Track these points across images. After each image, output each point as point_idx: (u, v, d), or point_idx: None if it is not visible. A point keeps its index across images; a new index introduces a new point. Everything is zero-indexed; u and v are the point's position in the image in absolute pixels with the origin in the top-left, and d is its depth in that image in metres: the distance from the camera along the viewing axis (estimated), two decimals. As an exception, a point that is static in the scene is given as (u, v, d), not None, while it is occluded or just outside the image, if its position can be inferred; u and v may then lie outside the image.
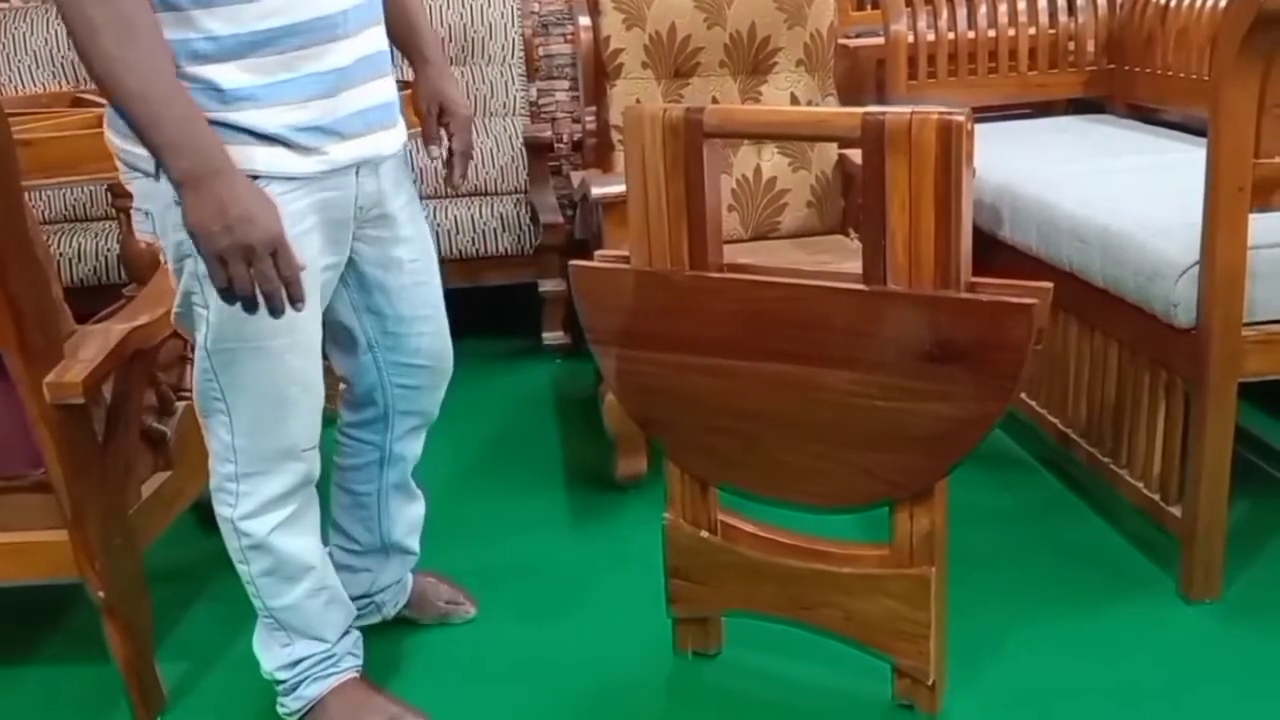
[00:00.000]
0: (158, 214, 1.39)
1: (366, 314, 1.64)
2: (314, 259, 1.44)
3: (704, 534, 1.72)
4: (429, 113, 1.69)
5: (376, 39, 1.49)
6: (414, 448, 1.79)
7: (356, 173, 1.48)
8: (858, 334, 1.50)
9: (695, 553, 1.73)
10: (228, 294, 1.32)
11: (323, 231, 1.46)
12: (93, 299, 2.20)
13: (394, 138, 1.54)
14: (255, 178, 1.35)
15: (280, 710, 1.68)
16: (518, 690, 1.78)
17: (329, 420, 1.58)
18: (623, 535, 2.18)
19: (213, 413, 1.50)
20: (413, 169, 2.54)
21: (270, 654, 1.65)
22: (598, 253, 1.70)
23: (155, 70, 1.26)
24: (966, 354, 1.44)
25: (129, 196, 2.24)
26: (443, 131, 1.69)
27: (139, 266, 2.35)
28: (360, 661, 1.71)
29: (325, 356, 1.59)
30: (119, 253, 2.76)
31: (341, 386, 1.74)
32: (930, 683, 1.62)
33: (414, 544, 1.85)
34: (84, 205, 3.24)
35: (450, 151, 1.69)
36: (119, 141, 1.39)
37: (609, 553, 2.12)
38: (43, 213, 3.22)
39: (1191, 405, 1.82)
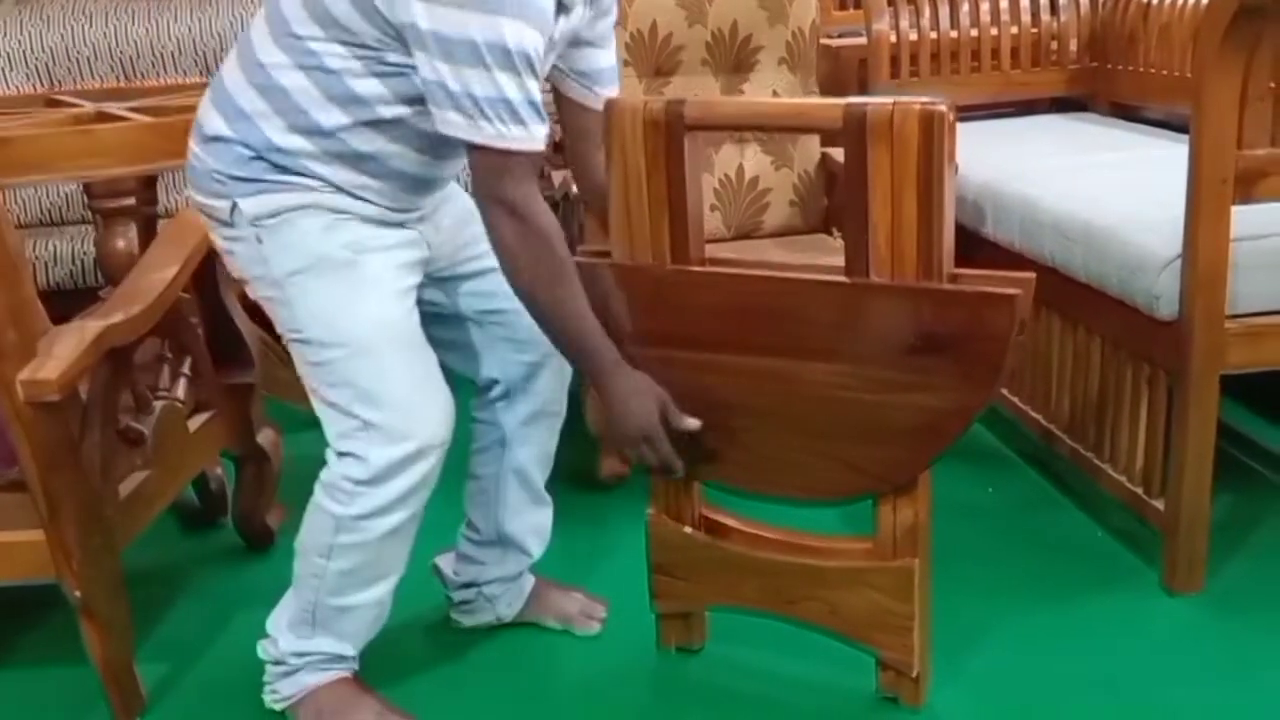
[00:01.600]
0: (241, 254, 1.54)
1: (472, 297, 1.71)
2: (383, 271, 1.54)
3: (687, 529, 1.71)
4: None
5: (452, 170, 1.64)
6: (539, 439, 1.80)
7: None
8: (840, 326, 1.49)
9: (678, 548, 1.72)
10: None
11: (402, 252, 1.57)
12: (69, 302, 2.18)
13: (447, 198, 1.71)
14: (317, 207, 1.50)
15: (270, 696, 1.67)
16: (502, 688, 1.76)
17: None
18: (607, 534, 2.17)
19: (349, 434, 1.53)
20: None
21: (286, 637, 1.65)
22: (580, 248, 1.69)
23: (587, 308, 1.53)
24: (949, 345, 1.43)
25: (106, 198, 2.28)
26: None
27: (115, 269, 2.33)
28: (358, 665, 1.70)
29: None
30: (95, 256, 2.73)
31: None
32: (914, 675, 1.62)
33: (532, 545, 1.85)
34: (60, 209, 3.21)
35: None
36: (197, 196, 1.55)
37: (593, 551, 2.11)
38: (19, 216, 3.19)
39: (1174, 398, 1.82)
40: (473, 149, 1.43)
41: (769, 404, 1.57)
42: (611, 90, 1.69)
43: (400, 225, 1.59)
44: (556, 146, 3.54)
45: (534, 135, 1.42)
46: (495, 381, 1.76)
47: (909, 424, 1.49)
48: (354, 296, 1.50)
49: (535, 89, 1.42)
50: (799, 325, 1.51)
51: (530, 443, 1.79)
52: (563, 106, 1.71)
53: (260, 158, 1.49)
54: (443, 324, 1.71)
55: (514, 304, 1.59)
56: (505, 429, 1.78)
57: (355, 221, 1.53)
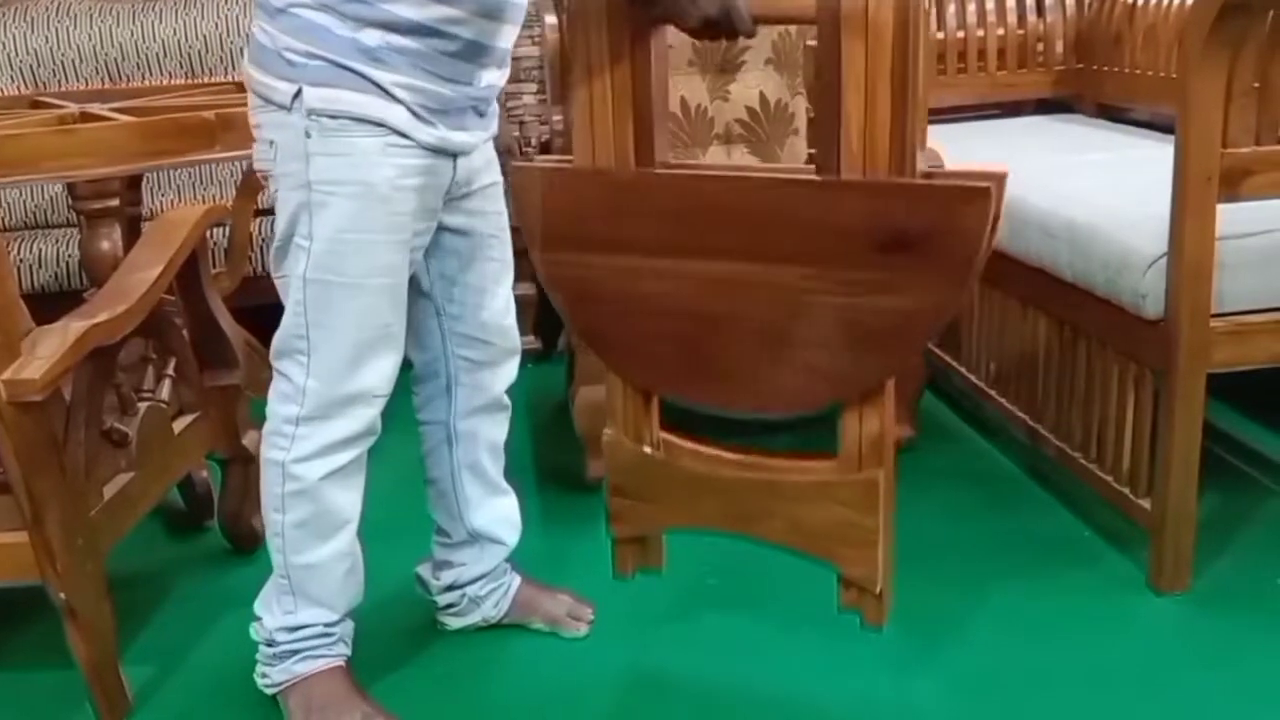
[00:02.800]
0: (282, 143, 1.50)
1: (439, 279, 1.70)
2: (410, 216, 1.53)
3: (646, 449, 1.66)
4: None
5: (515, 34, 1.59)
6: (486, 430, 1.80)
7: (455, 156, 1.58)
8: (809, 226, 1.43)
9: (637, 469, 1.67)
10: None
11: (420, 196, 1.54)
12: (54, 305, 2.16)
13: (491, 126, 1.65)
14: (376, 124, 1.47)
15: (261, 681, 1.67)
16: (490, 692, 1.76)
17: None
18: (594, 535, 2.15)
19: (290, 353, 1.55)
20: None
21: (272, 614, 1.65)
22: (539, 156, 1.66)
23: None
24: (922, 242, 1.38)
25: (90, 199, 2.27)
26: None
27: (99, 271, 2.32)
28: (349, 652, 1.69)
29: None
30: (80, 258, 2.72)
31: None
32: (878, 590, 1.56)
33: (504, 535, 1.85)
34: (45, 211, 3.20)
35: None
36: (258, 74, 1.51)
37: (580, 553, 2.10)
38: (3, 218, 3.18)
39: (1160, 397, 1.83)
40: None
41: (734, 310, 1.51)
42: None
43: (448, 155, 1.57)
44: (544, 148, 3.54)
45: None
46: (437, 374, 1.77)
47: (878, 326, 1.43)
48: (370, 231, 1.51)
49: None
50: (766, 228, 1.46)
51: (476, 436, 1.80)
52: None
53: (338, 36, 1.45)
54: (412, 298, 1.69)
55: (476, 290, 1.65)
56: (449, 426, 1.79)
57: (408, 150, 1.51)
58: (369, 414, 1.57)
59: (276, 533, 1.61)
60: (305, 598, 1.63)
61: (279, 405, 1.57)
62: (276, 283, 1.58)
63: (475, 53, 1.52)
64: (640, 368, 1.61)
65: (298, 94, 1.46)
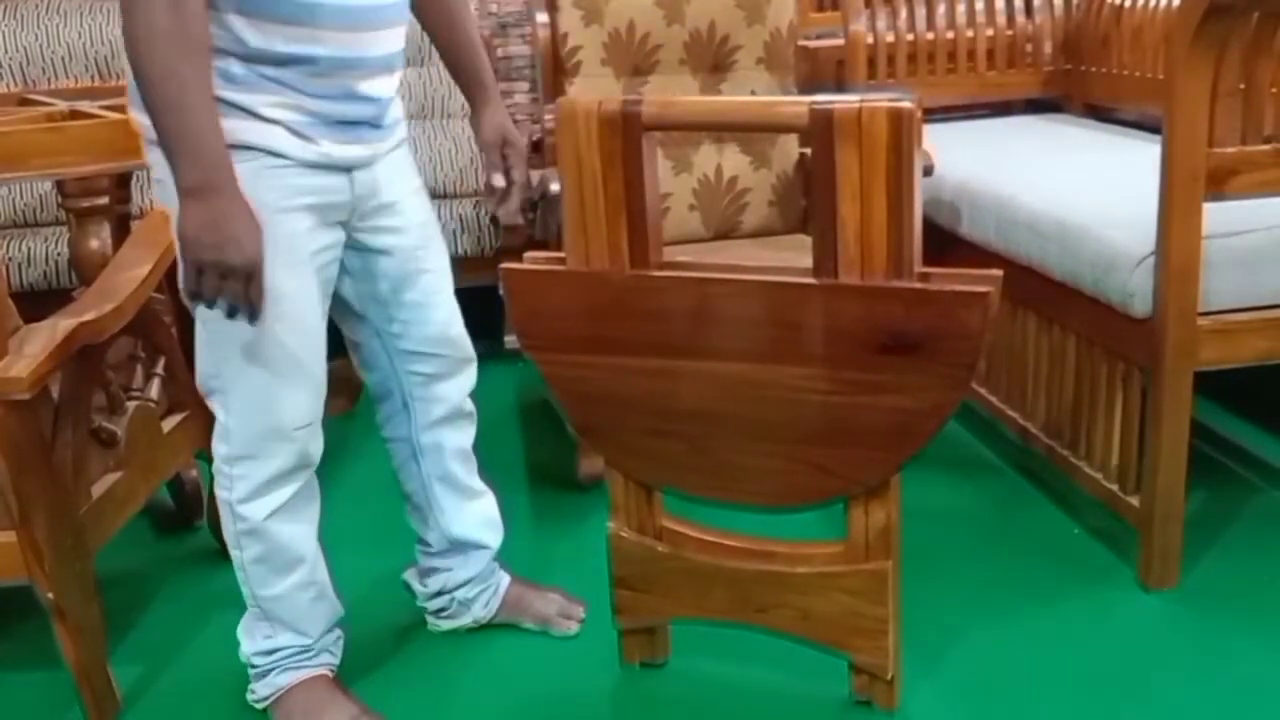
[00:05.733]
0: (166, 180, 1.43)
1: (371, 302, 1.66)
2: (304, 235, 1.48)
3: (650, 541, 1.68)
4: (493, 144, 1.74)
5: (397, 38, 1.53)
6: (451, 439, 1.77)
7: (349, 170, 1.53)
8: (808, 329, 1.47)
9: (641, 561, 1.69)
10: (194, 297, 1.40)
11: (316, 213, 1.50)
12: (43, 304, 2.16)
13: (391, 137, 1.59)
14: (249, 148, 1.41)
15: (249, 697, 1.68)
16: (479, 694, 1.76)
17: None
18: (584, 535, 2.16)
19: (209, 392, 1.54)
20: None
21: (251, 639, 1.66)
22: (528, 254, 1.63)
23: (198, 87, 1.33)
24: (921, 344, 1.42)
25: (79, 198, 2.26)
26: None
27: (89, 269, 2.31)
28: (336, 661, 1.70)
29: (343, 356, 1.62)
30: (69, 257, 2.71)
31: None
32: (889, 677, 1.61)
33: (486, 538, 1.84)
34: (34, 210, 3.19)
35: (510, 182, 1.74)
36: (136, 114, 1.45)
37: (570, 552, 2.10)
38: (-8, 217, 3.17)
39: (1148, 395, 1.83)
40: None
41: (734, 409, 1.54)
42: None
43: (339, 170, 1.51)
44: (536, 146, 3.54)
45: None
46: (391, 392, 1.74)
47: (881, 424, 1.48)
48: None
49: None
50: (765, 328, 1.49)
51: (442, 447, 1.76)
52: None
53: None
54: (348, 323, 1.69)
55: (415, 307, 1.63)
56: (413, 442, 1.76)
57: (289, 170, 1.45)
58: (294, 448, 1.53)
59: (240, 567, 1.60)
60: (279, 623, 1.63)
61: (216, 443, 1.55)
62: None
63: (347, 66, 1.46)
64: (640, 464, 1.62)
65: None
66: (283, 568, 1.60)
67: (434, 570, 1.84)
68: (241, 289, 1.37)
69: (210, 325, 1.48)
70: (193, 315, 1.50)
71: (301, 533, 1.60)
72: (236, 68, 1.40)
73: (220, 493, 1.57)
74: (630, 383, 1.57)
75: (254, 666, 1.66)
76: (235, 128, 1.40)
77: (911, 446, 1.49)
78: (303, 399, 1.53)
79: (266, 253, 1.40)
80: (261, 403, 1.50)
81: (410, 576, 1.88)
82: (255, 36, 1.39)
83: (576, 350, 1.57)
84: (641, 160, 1.50)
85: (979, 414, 2.45)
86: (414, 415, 1.74)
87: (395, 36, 1.52)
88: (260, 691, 1.67)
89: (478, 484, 1.84)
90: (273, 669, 1.65)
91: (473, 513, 1.82)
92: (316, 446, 1.57)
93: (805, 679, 1.69)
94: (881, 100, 1.39)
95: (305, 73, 1.43)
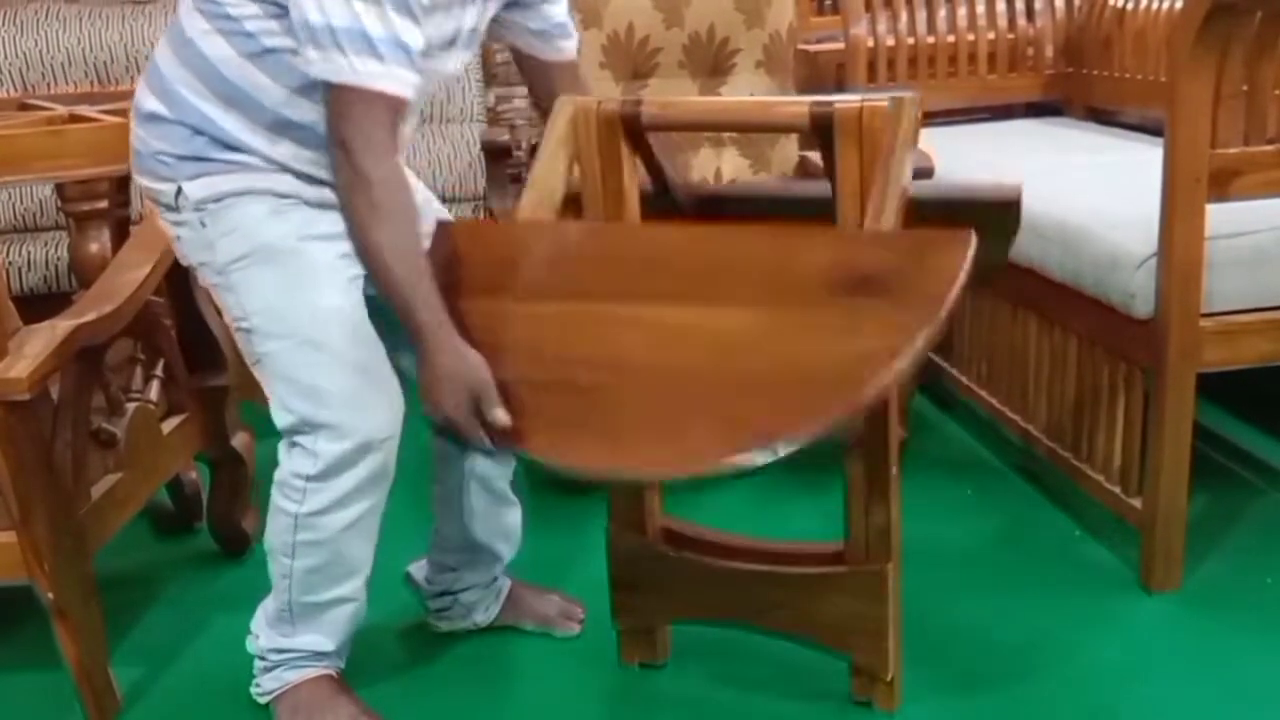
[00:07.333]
0: (187, 239, 1.53)
1: None
2: (339, 260, 1.49)
3: (649, 542, 1.67)
4: None
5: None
6: None
7: None
8: (758, 270, 1.36)
9: (640, 561, 1.68)
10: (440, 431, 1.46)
11: (341, 240, 1.48)
12: (43, 308, 2.16)
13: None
14: (265, 192, 1.48)
15: (254, 690, 1.67)
16: (478, 695, 1.75)
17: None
18: (583, 536, 2.15)
19: (292, 430, 1.52)
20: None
21: (269, 635, 1.65)
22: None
23: (417, 260, 1.41)
24: (889, 286, 1.30)
25: (79, 201, 2.26)
26: None
27: (88, 272, 2.31)
28: (342, 664, 1.69)
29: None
30: (69, 261, 2.72)
31: None
32: (889, 678, 1.61)
33: (502, 549, 1.83)
34: (34, 214, 3.19)
35: None
36: (144, 181, 1.53)
37: (570, 554, 2.10)
38: (-7, 221, 3.17)
39: (1151, 397, 1.83)
40: (327, 88, 1.37)
41: (647, 358, 1.37)
42: (570, 44, 1.69)
43: None
44: (534, 150, 3.53)
45: (391, 74, 1.36)
46: None
47: (822, 370, 1.29)
48: (298, 286, 1.48)
49: (405, 28, 1.35)
50: (702, 270, 1.38)
51: None
52: (526, 69, 1.71)
53: (200, 133, 1.47)
54: (393, 326, 1.65)
55: None
56: None
57: (301, 206, 1.50)
58: (378, 458, 1.52)
59: (285, 574, 1.59)
60: (305, 626, 1.63)
61: (292, 460, 1.53)
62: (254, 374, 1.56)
63: None
64: (523, 423, 1.41)
65: (179, 192, 1.49)
66: (338, 578, 1.59)
67: (442, 566, 1.84)
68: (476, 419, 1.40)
69: (275, 362, 1.50)
70: (251, 361, 1.55)
71: (366, 550, 1.60)
72: (261, 131, 1.47)
73: (285, 504, 1.54)
74: (528, 330, 1.44)
75: (264, 660, 1.65)
76: (242, 179, 1.47)
77: (848, 400, 1.27)
78: (382, 409, 1.52)
79: (304, 280, 1.47)
80: (347, 420, 1.49)
81: (415, 570, 1.88)
82: (295, 112, 1.45)
83: (473, 296, 1.46)
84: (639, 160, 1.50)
85: (980, 416, 2.44)
86: None
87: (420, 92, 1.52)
88: (266, 685, 1.66)
89: (510, 493, 1.83)
90: (283, 665, 1.64)
91: (498, 520, 1.82)
92: (394, 460, 1.56)
93: (805, 679, 1.69)
94: (882, 99, 1.38)
95: (320, 148, 1.47)
